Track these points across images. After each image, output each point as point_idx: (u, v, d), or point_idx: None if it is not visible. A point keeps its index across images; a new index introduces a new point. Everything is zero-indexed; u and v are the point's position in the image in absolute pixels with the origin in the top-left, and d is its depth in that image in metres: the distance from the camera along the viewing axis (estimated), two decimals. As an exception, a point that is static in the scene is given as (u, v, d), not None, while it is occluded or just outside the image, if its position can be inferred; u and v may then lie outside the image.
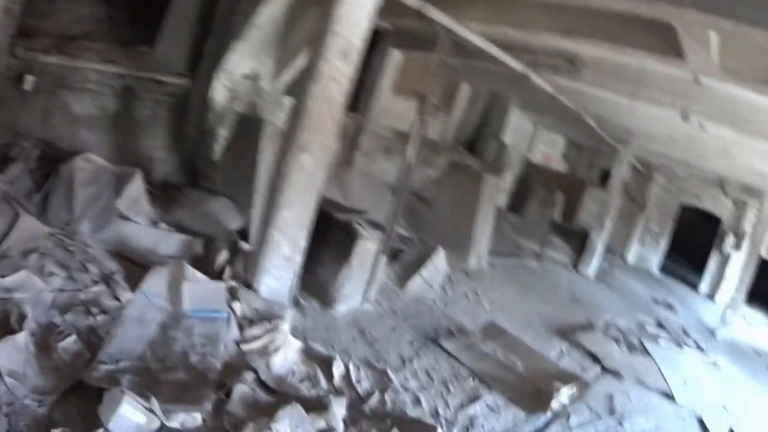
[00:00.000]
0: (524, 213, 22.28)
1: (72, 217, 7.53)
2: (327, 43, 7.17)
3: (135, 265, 7.13)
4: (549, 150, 27.06)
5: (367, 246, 8.90)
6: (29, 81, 9.27)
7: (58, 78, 9.70)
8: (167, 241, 8.03)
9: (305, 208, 7.62)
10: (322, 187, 7.89)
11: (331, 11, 7.17)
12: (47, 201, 7.74)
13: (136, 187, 8.30)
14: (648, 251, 26.24)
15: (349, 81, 7.54)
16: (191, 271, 6.79)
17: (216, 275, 7.41)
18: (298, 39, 11.06)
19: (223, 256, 7.89)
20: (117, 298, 6.24)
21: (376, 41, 14.80)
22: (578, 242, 19.87)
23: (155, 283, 6.50)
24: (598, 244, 19.41)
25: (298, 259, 7.74)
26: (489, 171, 16.12)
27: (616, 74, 11.32)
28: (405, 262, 11.11)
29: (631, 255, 25.97)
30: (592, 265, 19.40)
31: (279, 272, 7.59)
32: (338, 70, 7.29)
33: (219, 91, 10.92)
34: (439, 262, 11.37)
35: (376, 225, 9.45)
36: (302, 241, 7.71)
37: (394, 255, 10.74)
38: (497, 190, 15.94)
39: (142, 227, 8.06)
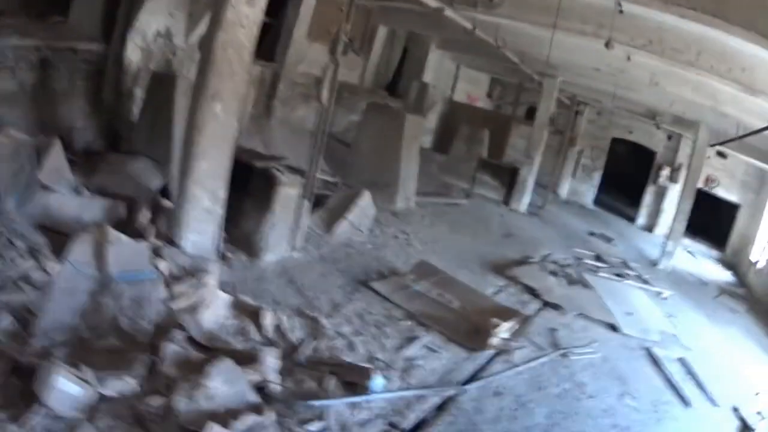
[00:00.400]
0: (451, 152, 22.23)
1: (-1, 196, 7.33)
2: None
3: (61, 235, 6.90)
4: (473, 89, 27.06)
5: (288, 192, 8.80)
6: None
7: (-23, 58, 9.44)
8: (90, 208, 7.89)
9: (221, 158, 7.51)
10: (236, 135, 7.77)
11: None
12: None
13: (56, 156, 7.98)
14: (581, 185, 26.63)
15: (257, 26, 7.41)
16: (114, 234, 6.63)
17: (140, 236, 7.27)
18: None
19: (145, 215, 7.80)
20: (45, 271, 6.14)
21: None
22: (508, 179, 19.92)
23: (80, 250, 6.33)
24: (528, 179, 19.54)
25: (220, 210, 7.65)
26: (410, 111, 16.11)
27: (535, 5, 11.32)
28: (331, 207, 11.07)
29: (564, 189, 26.33)
30: (524, 200, 19.56)
31: (201, 226, 7.52)
32: (244, 15, 7.14)
33: (133, 52, 10.69)
34: (365, 204, 11.36)
35: (296, 170, 9.35)
36: (221, 191, 7.61)
37: (318, 201, 10.64)
38: (420, 130, 15.82)
39: (65, 196, 7.85)
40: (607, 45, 10.15)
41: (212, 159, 7.39)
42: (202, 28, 11.24)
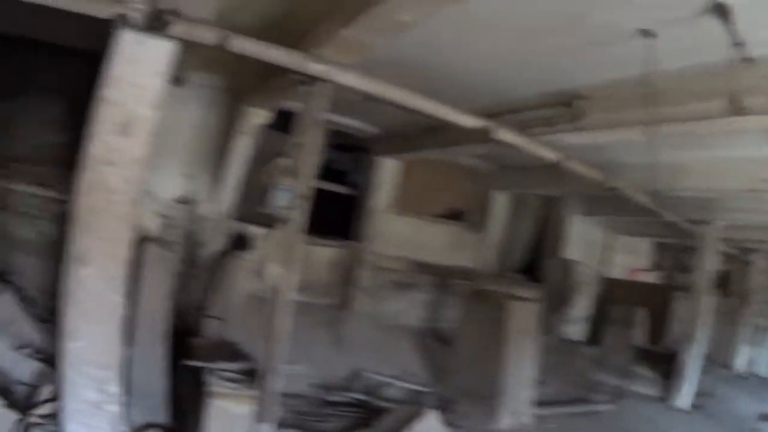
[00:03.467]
0: (603, 342, 18.21)
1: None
2: (98, 114, 5.41)
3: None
4: (634, 260, 23.89)
5: (228, 407, 6.48)
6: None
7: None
8: (22, 367, 6.88)
9: (102, 340, 5.66)
10: (120, 310, 5.75)
11: (101, 72, 5.43)
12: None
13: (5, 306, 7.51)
14: (758, 351, 22.50)
15: (138, 163, 5.63)
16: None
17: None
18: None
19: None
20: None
21: (361, 150, 13.40)
22: (666, 367, 16.01)
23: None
24: (691, 362, 15.36)
25: (113, 408, 5.76)
26: (546, 296, 13.95)
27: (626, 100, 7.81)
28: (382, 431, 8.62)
29: (739, 361, 22.05)
30: (685, 392, 15.21)
31: (89, 420, 5.71)
32: (115, 149, 5.47)
33: (149, 219, 9.42)
34: (428, 429, 8.67)
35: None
36: (113, 385, 5.75)
37: (365, 422, 8.41)
38: (532, 319, 12.18)
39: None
40: (738, 110, 6.35)
41: (88, 339, 5.62)
42: (230, 191, 9.88)
